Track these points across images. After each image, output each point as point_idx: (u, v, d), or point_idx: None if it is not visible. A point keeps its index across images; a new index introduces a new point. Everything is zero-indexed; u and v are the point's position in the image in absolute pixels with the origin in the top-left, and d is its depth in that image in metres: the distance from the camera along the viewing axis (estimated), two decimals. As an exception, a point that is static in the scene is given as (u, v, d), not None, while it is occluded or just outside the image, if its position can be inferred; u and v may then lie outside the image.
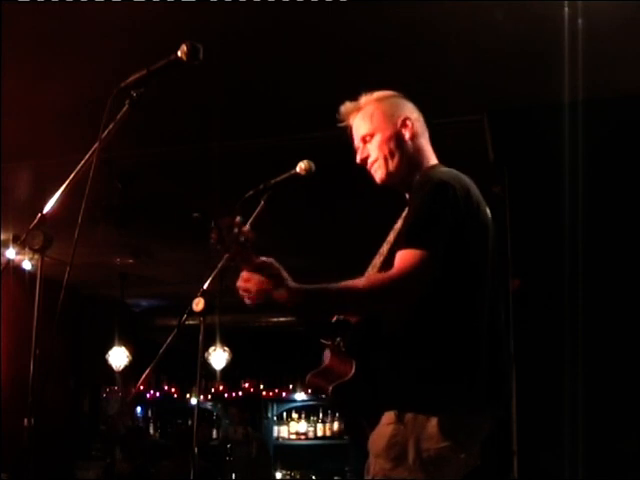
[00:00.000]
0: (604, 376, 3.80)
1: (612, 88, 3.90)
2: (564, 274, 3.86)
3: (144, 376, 2.48)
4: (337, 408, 2.24)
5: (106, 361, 8.42)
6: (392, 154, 2.29)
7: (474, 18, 3.37)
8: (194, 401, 9.80)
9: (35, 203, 1.86)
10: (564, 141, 3.81)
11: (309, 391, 9.51)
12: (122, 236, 5.78)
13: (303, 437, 9.64)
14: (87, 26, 3.44)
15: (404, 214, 2.27)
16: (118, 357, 8.43)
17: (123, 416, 9.32)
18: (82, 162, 1.84)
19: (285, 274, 2.03)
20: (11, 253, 5.69)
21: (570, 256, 3.84)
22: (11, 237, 5.86)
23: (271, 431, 9.68)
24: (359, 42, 3.60)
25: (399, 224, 2.29)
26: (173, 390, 10.00)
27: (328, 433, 9.55)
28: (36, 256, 1.85)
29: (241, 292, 2.05)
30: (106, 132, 1.84)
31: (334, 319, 2.28)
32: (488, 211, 2.26)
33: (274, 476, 9.33)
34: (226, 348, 8.95)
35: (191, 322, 2.32)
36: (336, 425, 9.53)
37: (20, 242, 1.82)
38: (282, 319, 9.81)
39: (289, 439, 9.66)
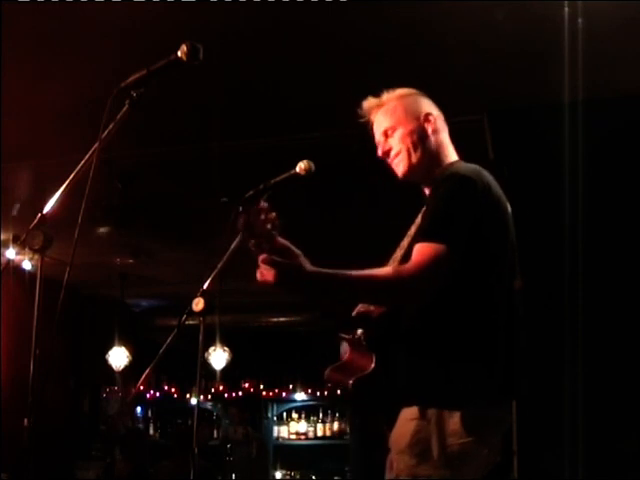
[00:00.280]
0: (604, 376, 3.80)
1: (612, 88, 3.90)
2: (564, 274, 3.86)
3: (144, 376, 2.48)
4: (356, 403, 2.23)
5: (106, 361, 8.42)
6: (415, 147, 2.29)
7: (474, 18, 3.37)
8: (194, 401, 9.81)
9: (35, 203, 1.86)
10: (564, 141, 3.81)
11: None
12: (122, 236, 5.78)
13: (303, 437, 9.65)
14: (87, 26, 3.44)
15: (424, 209, 2.27)
16: (118, 357, 8.43)
17: (123, 416, 9.32)
18: (82, 162, 1.84)
19: (304, 258, 2.10)
20: (11, 253, 5.69)
21: (570, 256, 3.84)
22: (11, 237, 5.86)
23: (271, 431, 9.68)
24: (359, 42, 3.60)
25: (419, 218, 2.29)
26: (173, 390, 10.00)
27: (328, 433, 9.56)
28: (36, 256, 1.85)
29: (261, 276, 2.03)
30: (106, 132, 1.84)
31: (355, 312, 2.28)
32: (509, 207, 2.26)
33: (274, 476, 9.34)
34: (226, 348, 8.94)
35: (191, 322, 2.32)
36: (336, 425, 9.55)
37: (20, 242, 1.82)
38: (282, 319, 9.82)
39: (289, 439, 9.67)
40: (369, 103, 2.37)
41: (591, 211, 3.83)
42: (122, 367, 8.46)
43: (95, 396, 9.33)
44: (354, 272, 2.07)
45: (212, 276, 2.32)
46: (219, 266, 2.30)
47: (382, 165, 2.40)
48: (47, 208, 1.82)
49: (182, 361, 3.76)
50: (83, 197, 1.79)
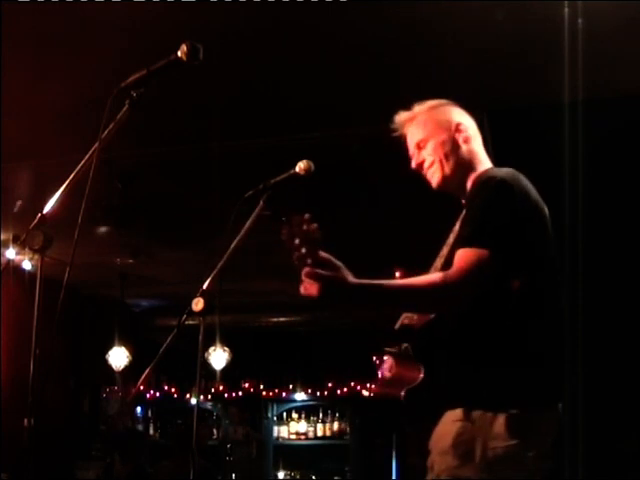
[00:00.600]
0: (604, 376, 3.80)
1: (612, 88, 3.90)
2: (564, 274, 3.85)
3: (144, 376, 2.47)
4: (409, 413, 2.22)
5: (106, 361, 8.41)
6: (447, 157, 2.31)
7: (474, 18, 3.37)
8: (194, 401, 9.80)
9: (35, 203, 1.85)
10: (564, 141, 3.81)
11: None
12: (122, 236, 5.78)
13: (303, 437, 9.64)
14: (87, 26, 3.44)
15: (462, 216, 2.29)
16: (118, 357, 8.42)
17: (123, 416, 9.32)
18: (82, 162, 1.84)
19: (346, 270, 2.11)
20: (11, 253, 5.69)
21: (570, 256, 3.83)
22: (11, 237, 5.86)
23: (271, 431, 9.67)
24: (359, 42, 3.60)
25: (457, 226, 2.30)
26: (173, 390, 9.98)
27: (328, 433, 9.55)
28: (36, 256, 1.85)
29: (304, 289, 2.04)
30: (106, 132, 1.84)
31: (397, 326, 2.29)
32: (546, 210, 2.29)
33: (276, 476, 9.34)
34: (226, 348, 8.94)
35: (191, 322, 2.32)
36: (336, 425, 9.54)
37: (20, 242, 1.82)
38: (282, 319, 9.81)
39: (289, 439, 9.66)
40: (401, 117, 2.40)
41: (591, 211, 3.83)
42: (122, 367, 8.45)
43: (95, 396, 9.32)
44: (397, 281, 2.11)
45: (212, 276, 2.32)
46: (219, 266, 2.31)
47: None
48: (47, 208, 1.82)
49: (182, 361, 3.76)
50: (83, 197, 1.79)
